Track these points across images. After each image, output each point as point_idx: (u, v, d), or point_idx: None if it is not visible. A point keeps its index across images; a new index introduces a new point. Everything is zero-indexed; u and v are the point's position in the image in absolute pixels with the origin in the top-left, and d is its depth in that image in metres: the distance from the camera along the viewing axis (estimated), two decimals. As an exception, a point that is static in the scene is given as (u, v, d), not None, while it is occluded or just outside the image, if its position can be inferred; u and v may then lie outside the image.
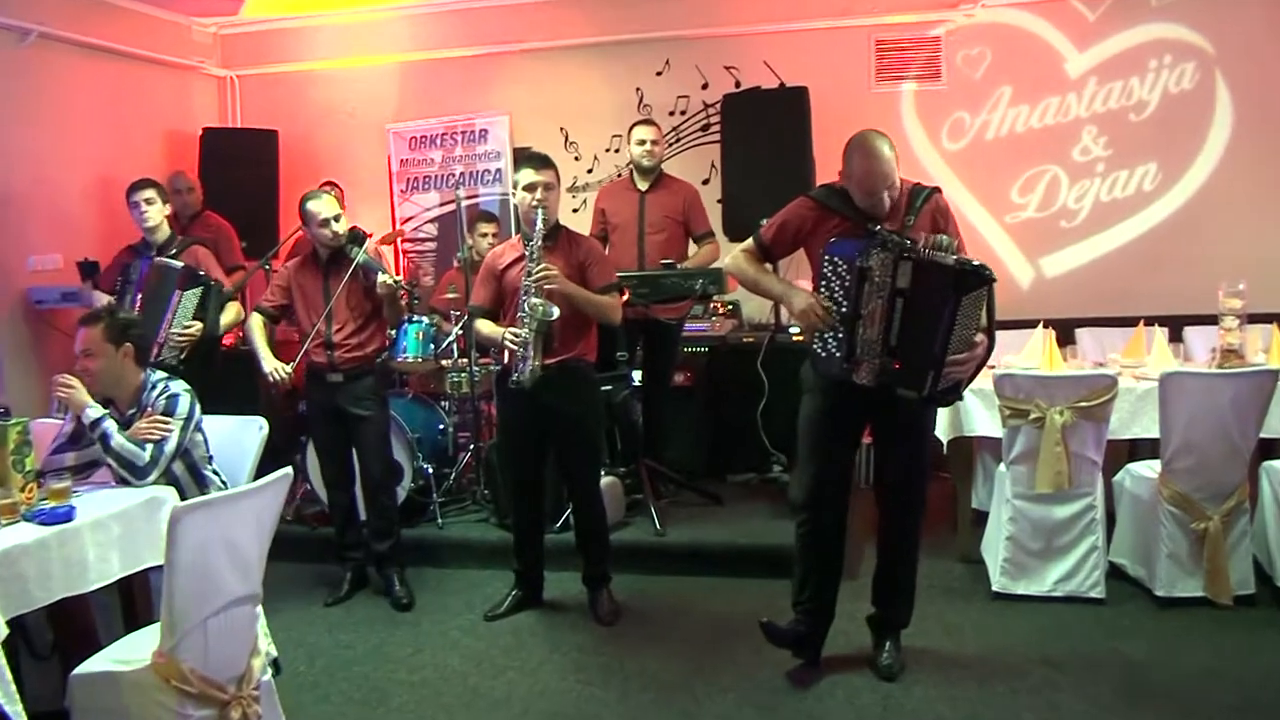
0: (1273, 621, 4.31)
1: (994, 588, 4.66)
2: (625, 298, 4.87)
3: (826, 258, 3.58)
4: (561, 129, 7.32)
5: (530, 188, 4.37)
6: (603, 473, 5.00)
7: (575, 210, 7.19)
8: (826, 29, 6.86)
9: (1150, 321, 5.45)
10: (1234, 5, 6.35)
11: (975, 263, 3.48)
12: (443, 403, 5.99)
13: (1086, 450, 4.53)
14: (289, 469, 3.11)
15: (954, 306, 3.45)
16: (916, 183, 3.77)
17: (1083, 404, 4.46)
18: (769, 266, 3.95)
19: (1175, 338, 5.58)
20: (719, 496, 5.76)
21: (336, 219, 4.75)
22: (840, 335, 3.56)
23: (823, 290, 3.59)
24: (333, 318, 4.77)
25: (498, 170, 7.49)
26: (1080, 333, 6.07)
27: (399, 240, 7.57)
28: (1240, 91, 6.38)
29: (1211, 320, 5.26)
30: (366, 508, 4.95)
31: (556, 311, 4.22)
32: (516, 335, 4.25)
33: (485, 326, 4.49)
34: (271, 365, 4.73)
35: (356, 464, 4.88)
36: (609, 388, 5.14)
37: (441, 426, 5.89)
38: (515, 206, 4.69)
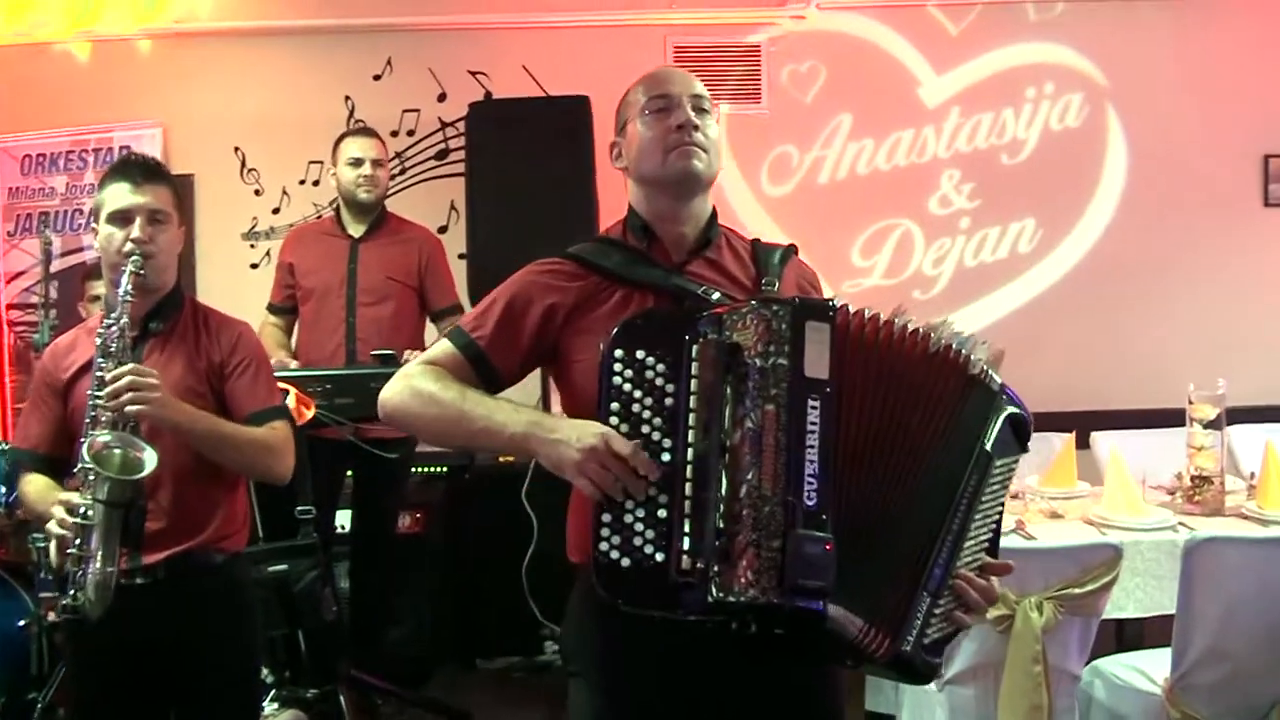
0: None
1: None
2: (309, 415, 2.87)
3: (619, 354, 1.74)
4: (237, 150, 5.36)
5: (120, 217, 2.43)
6: (277, 707, 3.00)
7: (254, 266, 5.25)
8: (606, 26, 5.25)
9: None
10: (1131, 26, 5.25)
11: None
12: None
13: (1068, 662, 2.95)
14: None
15: (982, 469, 1.74)
16: (755, 238, 2.13)
17: (1073, 590, 2.84)
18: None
19: (1080, 444, 4.27)
20: (467, 713, 3.84)
21: None
22: (663, 506, 1.69)
23: (613, 417, 1.73)
24: None
25: (143, 206, 5.46)
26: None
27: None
28: (1137, 130, 5.26)
29: (1126, 422, 4.49)
30: None
31: (151, 462, 2.22)
32: (73, 512, 2.19)
33: (35, 488, 2.48)
34: None
35: None
36: (282, 568, 3.13)
37: (23, 623, 3.72)
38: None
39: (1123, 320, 5.21)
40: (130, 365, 2.29)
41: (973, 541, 1.76)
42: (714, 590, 1.64)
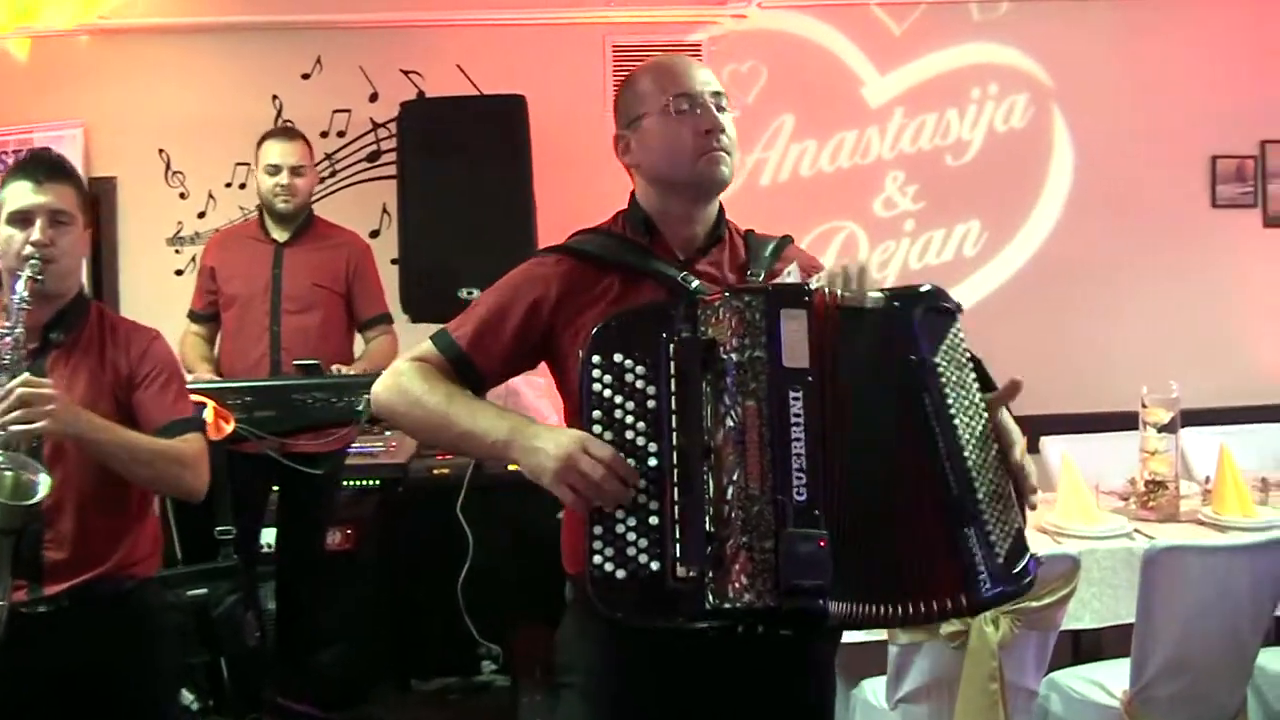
0: None
1: None
2: (229, 430, 2.70)
3: (596, 359, 1.68)
4: (161, 152, 5.09)
5: (20, 218, 2.27)
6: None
7: (179, 273, 4.99)
8: (544, 24, 5.08)
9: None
10: (1076, 26, 5.15)
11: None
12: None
13: (1025, 678, 2.82)
14: None
15: (931, 378, 1.71)
16: (749, 229, 2.07)
17: (1030, 604, 2.70)
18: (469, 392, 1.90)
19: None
20: (400, 738, 3.66)
21: None
22: (654, 513, 1.62)
23: (596, 425, 1.66)
24: None
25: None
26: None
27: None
28: (1083, 131, 5.17)
29: (1074, 426, 4.34)
30: None
31: (45, 486, 2.05)
32: None
33: None
34: None
35: None
36: (201, 592, 2.95)
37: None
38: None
39: (1070, 323, 5.12)
40: (22, 377, 2.10)
41: (970, 438, 1.70)
42: (710, 597, 1.58)
